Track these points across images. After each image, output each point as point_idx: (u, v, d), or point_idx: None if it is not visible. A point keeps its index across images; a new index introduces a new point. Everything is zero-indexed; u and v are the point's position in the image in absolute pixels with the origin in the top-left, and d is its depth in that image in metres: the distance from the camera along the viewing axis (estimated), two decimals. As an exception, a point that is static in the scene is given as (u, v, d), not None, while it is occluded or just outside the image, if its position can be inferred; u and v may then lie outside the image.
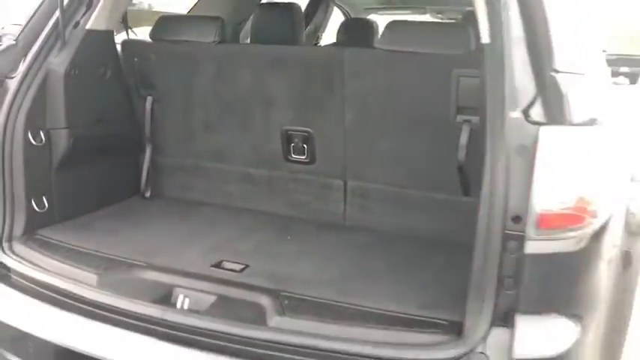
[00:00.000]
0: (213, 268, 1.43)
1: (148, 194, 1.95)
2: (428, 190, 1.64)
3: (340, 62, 1.67)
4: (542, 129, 1.05)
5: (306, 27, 3.42)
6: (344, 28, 2.92)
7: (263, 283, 1.35)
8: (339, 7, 3.81)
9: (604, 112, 1.20)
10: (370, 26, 2.81)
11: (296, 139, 1.78)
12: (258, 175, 1.88)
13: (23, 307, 1.37)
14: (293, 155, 1.81)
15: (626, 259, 1.33)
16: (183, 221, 1.78)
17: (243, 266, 1.44)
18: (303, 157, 1.79)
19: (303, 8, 2.85)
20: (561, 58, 1.11)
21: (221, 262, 1.47)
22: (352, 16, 3.83)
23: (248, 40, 2.63)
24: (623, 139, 1.34)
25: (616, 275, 1.25)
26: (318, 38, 3.63)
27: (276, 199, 1.86)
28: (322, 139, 1.76)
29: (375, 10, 3.96)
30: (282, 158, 1.82)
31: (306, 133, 1.76)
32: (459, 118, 1.51)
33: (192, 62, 1.83)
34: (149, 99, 1.88)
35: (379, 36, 2.01)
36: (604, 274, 1.18)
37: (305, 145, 1.77)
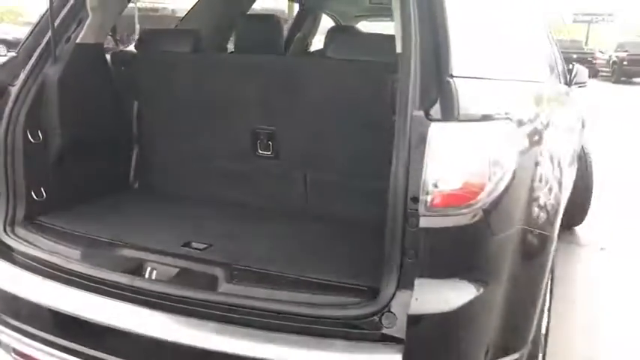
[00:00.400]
0: (182, 247, 1.68)
1: (136, 186, 2.22)
2: (373, 180, 1.86)
3: (298, 70, 1.92)
4: (433, 124, 1.27)
5: (297, 34, 3.68)
6: (330, 35, 3.18)
7: (221, 258, 1.59)
8: (329, 15, 4.06)
9: (503, 109, 1.43)
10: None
11: (262, 137, 2.03)
12: (232, 169, 2.14)
13: (22, 279, 1.63)
14: (260, 151, 2.06)
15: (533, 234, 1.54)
16: (164, 210, 2.04)
17: (207, 245, 1.69)
18: (269, 153, 2.04)
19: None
20: (457, 65, 1.33)
21: (190, 242, 1.72)
22: (342, 23, 4.07)
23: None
24: (530, 129, 1.57)
25: (519, 246, 1.47)
26: (307, 45, 3.88)
27: (248, 190, 2.11)
28: (285, 137, 2.01)
29: (365, 17, 4.22)
30: (251, 154, 2.08)
31: (270, 132, 2.02)
32: (394, 117, 1.74)
33: (171, 70, 2.10)
34: (135, 103, 2.15)
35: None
36: (500, 245, 1.40)
37: (270, 142, 2.02)
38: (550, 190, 1.71)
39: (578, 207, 4.20)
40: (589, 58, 24.01)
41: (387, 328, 1.30)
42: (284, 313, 1.35)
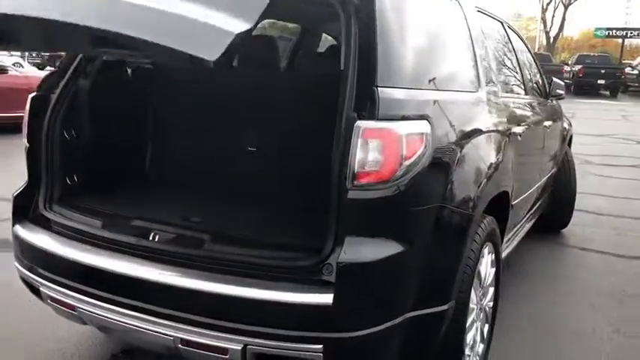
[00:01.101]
0: (181, 221, 2.14)
1: (149, 176, 2.72)
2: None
3: (262, 84, 2.39)
4: (358, 122, 1.70)
5: (299, 52, 4.14)
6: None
7: (208, 227, 2.05)
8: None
9: (422, 112, 1.85)
10: None
11: (242, 141, 2.52)
12: (219, 163, 2.63)
13: (57, 242, 2.12)
14: (249, 148, 2.53)
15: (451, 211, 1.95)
16: (173, 193, 2.52)
17: (200, 220, 2.15)
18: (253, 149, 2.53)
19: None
20: (381, 78, 1.76)
21: (189, 217, 2.18)
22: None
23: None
24: (450, 129, 1.99)
25: (437, 218, 1.88)
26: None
27: (230, 180, 2.58)
28: (255, 137, 2.49)
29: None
30: (237, 153, 2.57)
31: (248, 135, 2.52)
32: None
33: (174, 84, 2.61)
34: (149, 109, 2.67)
35: None
36: (417, 216, 1.81)
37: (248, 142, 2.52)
38: (474, 179, 2.11)
39: (562, 209, 4.55)
40: (617, 74, 24.28)
41: (325, 275, 1.72)
42: (253, 264, 1.79)
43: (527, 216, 3.58)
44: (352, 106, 1.73)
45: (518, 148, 2.80)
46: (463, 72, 2.39)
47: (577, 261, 4.25)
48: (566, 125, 4.56)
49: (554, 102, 4.32)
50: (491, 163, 2.28)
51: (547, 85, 4.09)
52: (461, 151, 2.04)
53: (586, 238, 4.69)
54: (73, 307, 2.01)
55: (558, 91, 4.11)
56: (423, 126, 1.83)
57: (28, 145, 2.26)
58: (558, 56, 42.98)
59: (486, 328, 2.55)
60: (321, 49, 4.02)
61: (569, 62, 29.20)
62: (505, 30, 3.39)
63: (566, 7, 37.88)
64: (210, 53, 1.44)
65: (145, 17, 1.53)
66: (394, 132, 1.74)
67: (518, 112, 2.93)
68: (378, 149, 1.71)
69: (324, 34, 4.13)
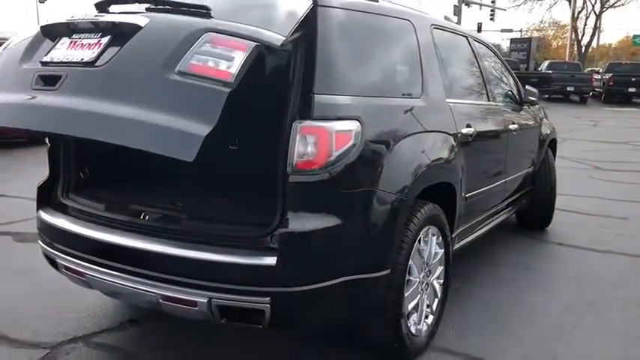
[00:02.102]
0: (165, 204, 2.63)
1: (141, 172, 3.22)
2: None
3: None
4: (296, 121, 2.16)
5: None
6: None
7: (184, 209, 2.52)
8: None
9: (356, 114, 2.30)
10: None
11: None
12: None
13: (71, 222, 2.63)
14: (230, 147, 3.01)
15: (384, 194, 2.38)
16: (159, 184, 3.00)
17: (179, 203, 2.64)
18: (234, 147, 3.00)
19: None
20: (318, 87, 2.22)
21: (171, 201, 2.67)
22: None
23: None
24: (383, 128, 2.44)
25: (370, 199, 2.32)
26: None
27: (205, 175, 3.01)
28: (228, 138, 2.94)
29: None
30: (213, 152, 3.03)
31: None
32: None
33: None
34: None
35: None
36: (351, 196, 2.26)
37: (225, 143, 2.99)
38: (407, 169, 2.54)
39: (542, 209, 4.91)
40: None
41: (272, 243, 2.17)
42: (218, 235, 2.26)
43: (494, 210, 3.95)
44: (295, 109, 2.19)
45: (469, 148, 3.21)
46: (403, 81, 2.83)
47: (551, 254, 4.59)
48: (546, 130, 4.90)
49: (530, 108, 4.69)
50: (427, 158, 2.70)
51: (521, 93, 4.47)
52: (393, 146, 2.48)
53: (567, 235, 5.01)
54: (82, 274, 2.52)
55: (530, 97, 4.49)
56: (352, 125, 2.27)
57: (49, 145, 2.80)
58: (593, 65, 42.50)
59: (436, 302, 2.95)
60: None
61: (600, 70, 29.03)
62: (470, 44, 3.80)
63: (597, 15, 37.49)
64: (188, 156, 1.87)
65: (116, 125, 1.96)
66: (326, 129, 2.19)
67: (470, 115, 3.33)
68: (313, 142, 2.17)
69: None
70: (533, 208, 4.89)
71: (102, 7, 2.42)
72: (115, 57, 2.11)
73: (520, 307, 3.43)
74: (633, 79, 23.90)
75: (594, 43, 43.26)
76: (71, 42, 2.33)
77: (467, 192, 3.26)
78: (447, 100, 3.10)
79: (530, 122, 4.58)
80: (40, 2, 34.51)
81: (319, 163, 2.17)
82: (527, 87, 4.54)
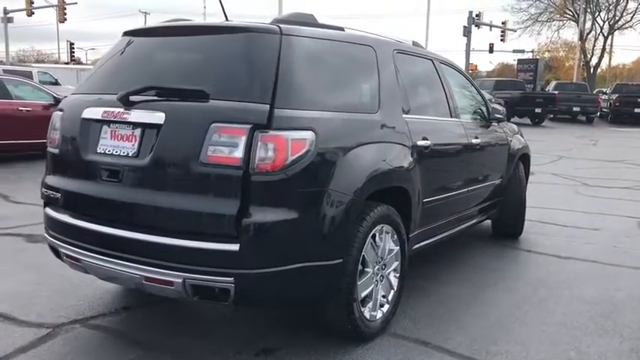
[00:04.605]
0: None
1: None
2: None
3: None
4: (257, 131, 2.59)
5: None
6: None
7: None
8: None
9: (308, 124, 2.72)
10: None
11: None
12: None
13: (70, 216, 3.06)
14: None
15: (336, 193, 2.80)
16: None
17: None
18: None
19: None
20: (278, 103, 2.65)
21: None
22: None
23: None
24: (337, 138, 2.86)
25: (324, 196, 2.73)
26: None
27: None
28: None
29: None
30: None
31: None
32: None
33: None
34: None
35: None
36: (308, 194, 2.67)
37: None
38: (358, 173, 2.94)
39: (511, 219, 5.29)
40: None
41: (236, 232, 2.58)
42: (193, 226, 2.66)
43: (459, 217, 4.34)
44: (257, 117, 2.62)
45: (426, 158, 3.62)
46: (360, 99, 3.26)
47: (518, 259, 4.95)
48: (516, 145, 5.29)
49: (500, 125, 5.09)
50: (378, 164, 3.11)
51: (490, 111, 4.88)
52: (346, 153, 2.89)
53: (538, 243, 5.37)
54: (78, 260, 2.95)
55: (497, 115, 4.89)
56: (307, 134, 2.70)
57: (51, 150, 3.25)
58: (605, 86, 42.67)
59: (392, 293, 3.35)
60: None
61: (607, 91, 29.31)
62: (435, 66, 4.23)
63: (606, 37, 37.82)
64: (227, 230, 2.61)
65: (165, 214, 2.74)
66: (282, 137, 2.62)
67: (428, 129, 3.74)
68: (272, 148, 2.60)
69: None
70: (504, 217, 5.26)
71: (124, 100, 2.86)
72: (153, 154, 2.75)
73: (474, 303, 3.80)
74: (639, 100, 24.16)
75: (604, 64, 43.53)
76: (112, 131, 2.92)
77: (424, 197, 3.66)
78: (404, 116, 3.52)
79: (498, 137, 4.97)
80: (9, 22, 35.41)
81: (277, 166, 2.60)
82: (493, 106, 4.94)
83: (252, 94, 2.68)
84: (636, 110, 24.24)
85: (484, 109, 4.89)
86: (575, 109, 24.27)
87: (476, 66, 44.04)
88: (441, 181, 3.96)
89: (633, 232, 5.93)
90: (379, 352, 3.05)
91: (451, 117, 4.23)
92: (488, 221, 5.34)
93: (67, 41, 41.45)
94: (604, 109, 26.19)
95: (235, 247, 2.56)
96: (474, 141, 4.38)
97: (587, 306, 3.78)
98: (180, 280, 2.62)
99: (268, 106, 2.63)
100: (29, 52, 64.88)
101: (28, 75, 17.30)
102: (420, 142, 3.57)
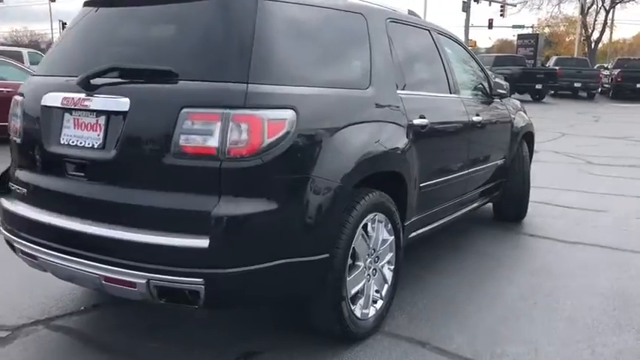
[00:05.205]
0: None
1: None
2: None
3: None
4: (229, 110, 2.25)
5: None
6: None
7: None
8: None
9: (288, 102, 2.38)
10: None
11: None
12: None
13: (23, 208, 2.73)
14: None
15: (321, 180, 2.46)
16: None
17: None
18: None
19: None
20: (252, 77, 2.31)
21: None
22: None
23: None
24: (320, 118, 2.52)
25: (308, 184, 2.40)
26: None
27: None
28: None
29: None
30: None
31: None
32: None
33: None
34: None
35: None
36: (288, 181, 2.35)
37: None
38: (347, 158, 2.61)
39: (514, 202, 4.97)
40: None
41: (206, 226, 2.25)
42: (158, 220, 2.33)
43: (459, 201, 4.01)
44: (230, 98, 2.28)
45: (424, 138, 3.28)
46: (349, 73, 2.91)
47: (521, 245, 4.64)
48: (520, 122, 4.95)
49: (502, 101, 4.74)
50: (370, 147, 2.78)
51: (491, 86, 4.52)
52: (332, 134, 2.56)
53: (542, 227, 5.06)
54: (34, 257, 2.63)
55: (499, 90, 4.54)
56: (286, 114, 2.36)
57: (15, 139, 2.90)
58: (606, 61, 42.09)
59: (386, 287, 3.04)
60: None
61: (608, 67, 28.85)
62: (432, 37, 3.87)
63: (607, 11, 37.12)
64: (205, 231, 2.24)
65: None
66: (257, 117, 2.28)
67: (425, 106, 3.40)
68: (245, 130, 2.26)
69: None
70: (506, 200, 4.94)
71: (84, 84, 2.50)
72: (119, 145, 2.42)
73: (476, 295, 3.49)
74: (642, 75, 23.74)
75: (605, 39, 42.87)
76: (75, 120, 2.58)
77: (422, 182, 3.33)
78: (399, 92, 3.17)
79: (500, 115, 4.63)
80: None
81: (251, 150, 2.26)
82: (495, 80, 4.59)
83: (227, 71, 2.33)
84: (638, 85, 23.82)
85: (485, 84, 4.54)
86: (576, 84, 23.82)
87: (475, 42, 43.40)
88: (439, 164, 3.63)
89: (643, 214, 5.62)
90: (371, 355, 2.75)
91: (450, 93, 3.89)
92: (490, 204, 5.03)
93: (60, 21, 40.77)
94: (605, 85, 25.75)
95: (204, 243, 2.23)
96: (475, 119, 4.04)
97: (599, 298, 3.48)
98: (143, 281, 2.30)
99: (245, 84, 2.29)
100: (22, 33, 64.03)
101: (18, 56, 16.82)
102: (417, 121, 3.23)
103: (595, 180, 7.31)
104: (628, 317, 3.21)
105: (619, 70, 24.67)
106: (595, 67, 28.31)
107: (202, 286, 2.25)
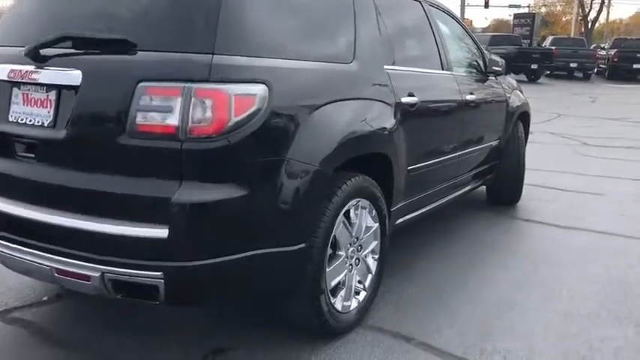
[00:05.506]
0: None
1: None
2: None
3: None
4: (190, 83, 1.99)
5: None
6: None
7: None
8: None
9: (259, 76, 2.13)
10: None
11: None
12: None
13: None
14: None
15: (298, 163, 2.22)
16: None
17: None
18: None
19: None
20: (218, 47, 2.05)
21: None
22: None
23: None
24: (297, 93, 2.27)
25: (282, 168, 2.16)
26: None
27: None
28: None
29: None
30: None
31: None
32: None
33: None
34: None
35: None
36: (260, 165, 2.11)
37: None
38: (327, 139, 2.38)
39: (508, 185, 4.75)
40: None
41: (165, 214, 2.00)
42: (110, 206, 2.10)
43: (450, 184, 3.79)
44: (193, 71, 2.03)
45: (413, 118, 3.04)
46: (331, 45, 2.64)
47: (514, 230, 4.44)
48: (515, 102, 4.71)
49: (497, 79, 4.50)
50: (353, 126, 2.53)
51: (486, 63, 4.27)
52: (310, 113, 2.31)
53: (536, 211, 4.85)
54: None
55: (495, 67, 4.29)
56: (257, 88, 2.11)
57: None
58: (603, 41, 41.72)
59: (370, 278, 2.82)
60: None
61: (605, 47, 28.54)
62: (424, 9, 3.60)
63: (605, -10, 36.68)
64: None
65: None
66: (223, 92, 2.03)
67: (415, 83, 3.15)
68: (209, 107, 2.01)
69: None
70: (500, 183, 4.73)
71: (33, 55, 2.24)
72: (71, 123, 2.17)
73: (466, 284, 3.29)
74: (639, 55, 23.42)
75: (602, 19, 42.45)
76: (23, 95, 2.32)
77: (410, 164, 3.10)
78: (386, 68, 2.92)
79: (495, 93, 4.39)
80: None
81: (216, 130, 2.02)
82: (491, 56, 4.34)
83: (190, 41, 2.08)
84: (635, 66, 23.54)
85: (480, 61, 4.29)
86: (572, 65, 23.53)
87: (471, 22, 42.94)
88: (429, 145, 3.40)
89: (641, 198, 5.43)
90: (353, 351, 2.55)
91: (442, 70, 3.64)
92: (484, 187, 4.81)
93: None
94: (601, 65, 25.47)
95: (163, 233, 2.00)
96: (469, 97, 3.80)
97: (596, 287, 3.29)
98: (97, 274, 2.07)
99: (210, 55, 2.04)
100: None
101: None
102: (405, 99, 2.99)
103: (591, 162, 7.11)
104: (627, 309, 3.02)
105: (616, 50, 24.36)
106: (592, 47, 27.95)
107: (161, 281, 2.02)
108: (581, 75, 24.26)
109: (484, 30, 53.57)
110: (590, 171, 6.51)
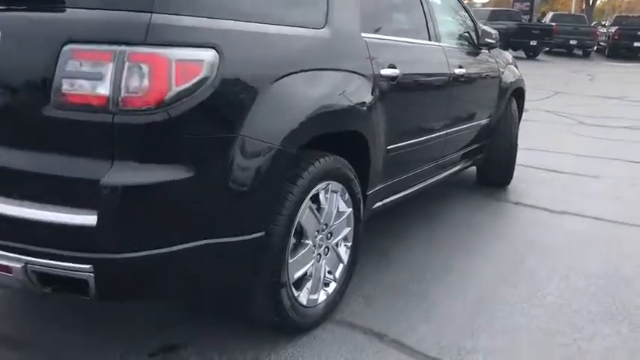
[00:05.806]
0: None
1: None
2: None
3: None
4: (124, 46, 1.70)
5: None
6: None
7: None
8: None
9: (208, 39, 1.83)
10: None
11: None
12: None
13: None
14: None
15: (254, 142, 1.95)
16: None
17: None
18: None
19: None
20: (158, 5, 1.75)
21: None
22: None
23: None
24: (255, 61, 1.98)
25: (235, 148, 1.89)
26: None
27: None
28: None
29: None
30: None
31: None
32: None
33: None
34: None
35: None
36: (208, 143, 1.84)
37: None
38: (290, 113, 2.10)
39: (501, 165, 4.48)
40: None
41: (94, 198, 1.74)
42: (33, 189, 1.82)
43: (434, 165, 3.52)
44: (127, 32, 1.74)
45: (394, 92, 2.76)
46: (298, 7, 2.33)
47: (502, 213, 4.19)
48: (509, 77, 4.41)
49: (490, 53, 4.20)
50: (321, 100, 2.25)
51: (478, 34, 3.97)
52: (271, 84, 2.03)
53: (528, 194, 4.60)
54: None
55: (488, 40, 3.99)
56: (204, 54, 1.82)
57: None
58: (601, 19, 41.14)
59: (340, 268, 2.57)
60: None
61: (605, 24, 28.07)
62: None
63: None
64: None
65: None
66: (161, 57, 1.74)
67: (397, 55, 2.86)
68: (145, 74, 1.72)
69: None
70: (491, 164, 4.46)
71: None
72: None
73: (447, 273, 3.05)
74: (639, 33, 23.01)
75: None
76: None
77: (390, 143, 2.83)
78: (364, 36, 2.62)
79: (487, 68, 4.09)
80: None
81: (153, 101, 1.73)
82: (483, 28, 4.03)
83: None
84: (635, 44, 23.13)
85: (472, 32, 3.98)
86: (571, 42, 23.10)
87: (471, -4, 42.05)
88: (412, 123, 3.12)
89: (638, 181, 5.17)
90: (318, 349, 2.31)
91: (429, 40, 3.33)
92: (474, 168, 4.55)
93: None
94: (601, 43, 25.03)
95: (92, 220, 1.73)
96: (458, 71, 3.50)
97: (588, 280, 3.05)
98: (19, 266, 1.80)
99: (149, 14, 1.74)
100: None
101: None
102: (385, 71, 2.70)
103: (587, 142, 6.85)
104: (621, 305, 2.78)
105: (616, 27, 23.91)
106: (592, 25, 27.46)
107: (91, 274, 1.76)
108: (580, 52, 23.85)
109: (484, 5, 52.73)
110: (586, 152, 6.25)
